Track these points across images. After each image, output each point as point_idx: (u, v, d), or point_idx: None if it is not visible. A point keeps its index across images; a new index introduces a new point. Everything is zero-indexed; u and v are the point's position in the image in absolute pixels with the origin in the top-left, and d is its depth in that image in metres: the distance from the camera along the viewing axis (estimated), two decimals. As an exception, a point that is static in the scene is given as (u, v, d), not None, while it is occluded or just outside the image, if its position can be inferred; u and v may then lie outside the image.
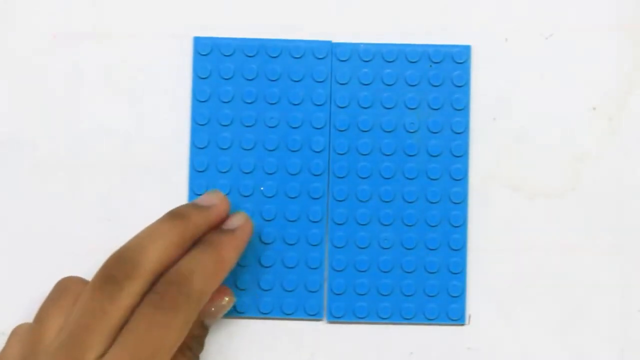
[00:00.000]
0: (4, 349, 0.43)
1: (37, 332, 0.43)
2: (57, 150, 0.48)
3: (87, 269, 0.48)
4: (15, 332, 0.44)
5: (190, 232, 0.44)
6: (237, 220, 0.46)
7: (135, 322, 0.41)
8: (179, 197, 0.48)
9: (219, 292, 0.45)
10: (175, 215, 0.44)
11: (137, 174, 0.48)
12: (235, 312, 0.47)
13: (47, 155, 0.48)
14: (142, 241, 0.43)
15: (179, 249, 0.43)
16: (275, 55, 0.47)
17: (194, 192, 0.48)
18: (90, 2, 0.49)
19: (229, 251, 0.44)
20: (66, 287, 0.44)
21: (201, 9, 0.48)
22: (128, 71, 0.48)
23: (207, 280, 0.43)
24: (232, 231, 0.45)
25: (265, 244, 0.47)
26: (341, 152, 0.47)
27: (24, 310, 0.48)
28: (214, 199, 0.45)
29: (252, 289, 0.48)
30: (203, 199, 0.45)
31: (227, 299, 0.46)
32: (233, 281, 0.47)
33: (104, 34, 0.48)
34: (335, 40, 0.48)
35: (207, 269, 0.43)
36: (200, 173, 0.47)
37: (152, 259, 0.43)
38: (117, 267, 0.42)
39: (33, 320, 0.44)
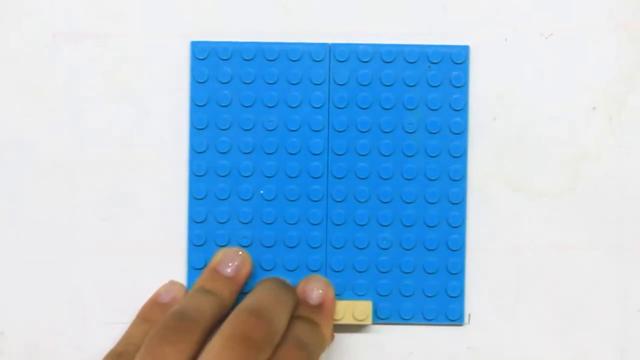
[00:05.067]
0: None
1: None
2: (57, 150, 0.48)
3: (87, 269, 0.48)
4: None
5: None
6: (320, 293, 0.46)
7: None
8: (179, 199, 0.48)
9: None
10: (288, 286, 0.45)
11: (136, 176, 0.48)
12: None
13: (47, 155, 0.48)
14: (275, 307, 0.42)
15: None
16: (272, 59, 0.47)
17: (193, 196, 0.48)
18: (90, 2, 0.49)
19: (328, 330, 0.45)
20: (184, 321, 0.41)
21: (198, 13, 0.48)
22: (127, 72, 0.48)
23: (318, 353, 0.43)
24: (321, 306, 0.45)
25: (266, 247, 0.48)
26: (340, 153, 0.47)
27: (24, 310, 0.48)
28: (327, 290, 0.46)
29: (252, 290, 0.48)
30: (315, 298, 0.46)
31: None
32: (232, 282, 0.48)
33: (104, 34, 0.48)
34: (333, 41, 0.48)
35: (317, 345, 0.43)
36: (200, 177, 0.47)
37: (283, 326, 0.42)
38: (258, 330, 0.40)
39: (143, 351, 0.40)
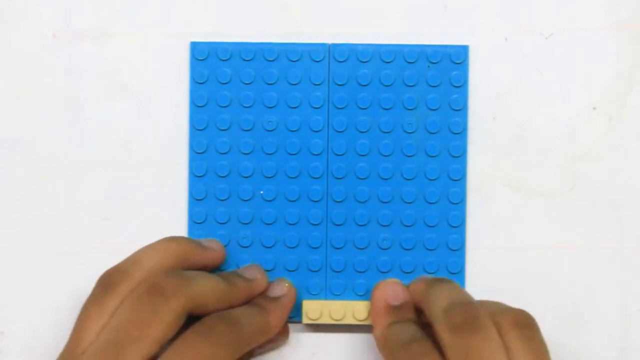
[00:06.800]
0: None
1: (76, 334, 0.42)
2: (57, 150, 0.48)
3: (87, 269, 0.48)
4: None
5: (235, 296, 0.45)
6: (281, 289, 0.46)
7: (182, 348, 0.40)
8: (179, 199, 0.48)
9: None
10: (223, 275, 0.45)
11: (136, 176, 0.48)
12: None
13: (47, 155, 0.48)
14: (196, 274, 0.43)
15: (223, 299, 0.44)
16: (272, 59, 0.47)
17: (193, 196, 0.48)
18: (90, 2, 0.49)
19: (276, 318, 0.45)
20: (110, 284, 0.43)
21: (198, 13, 0.48)
22: (127, 72, 0.48)
23: (254, 334, 0.43)
24: (278, 299, 0.46)
25: (266, 247, 0.48)
26: (339, 153, 0.47)
27: (24, 310, 0.48)
28: (257, 274, 0.46)
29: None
30: (246, 272, 0.46)
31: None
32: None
33: (104, 34, 0.48)
34: (333, 41, 0.48)
35: (254, 326, 0.44)
36: (199, 178, 0.48)
37: (199, 283, 0.42)
38: (166, 279, 0.42)
39: (76, 319, 0.43)
